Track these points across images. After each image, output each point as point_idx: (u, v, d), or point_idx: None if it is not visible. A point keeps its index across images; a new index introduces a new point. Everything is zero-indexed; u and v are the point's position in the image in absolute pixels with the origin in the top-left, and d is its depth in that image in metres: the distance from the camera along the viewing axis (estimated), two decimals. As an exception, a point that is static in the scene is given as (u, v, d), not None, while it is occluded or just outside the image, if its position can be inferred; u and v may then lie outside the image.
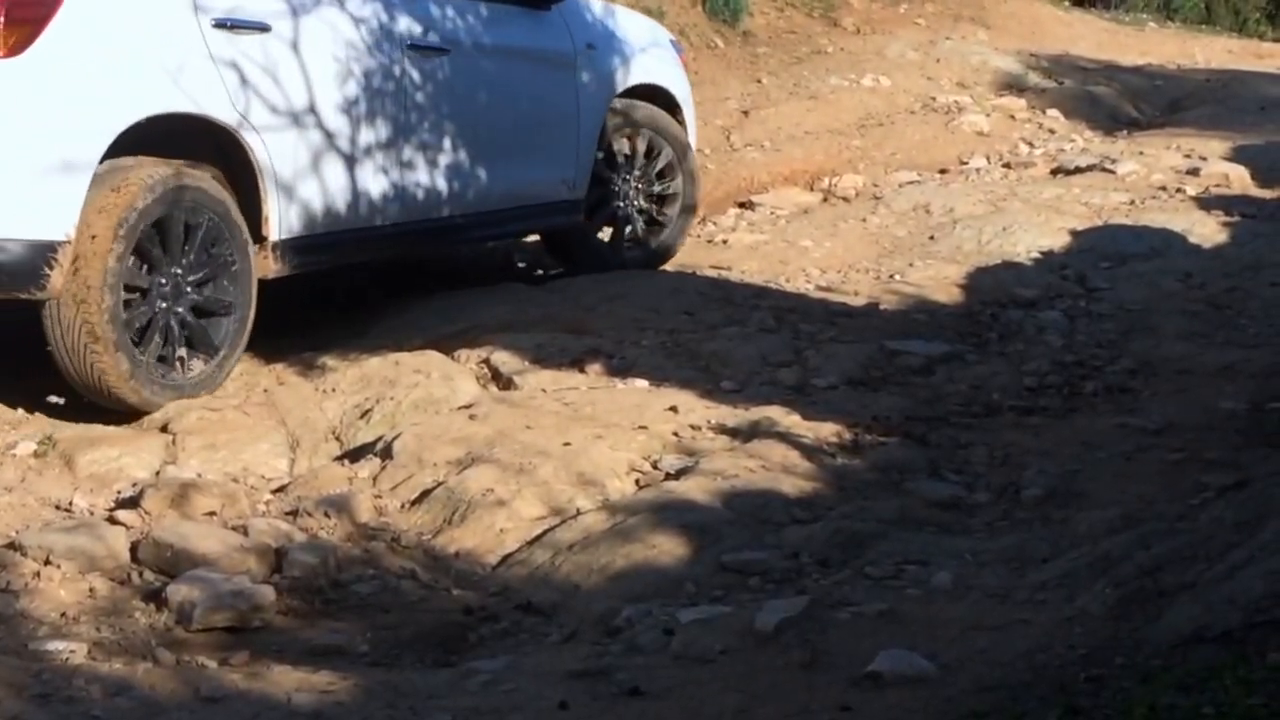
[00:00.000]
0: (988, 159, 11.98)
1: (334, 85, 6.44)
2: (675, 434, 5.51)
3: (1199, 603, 3.59)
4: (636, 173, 8.13)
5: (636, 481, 5.13)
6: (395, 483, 5.12)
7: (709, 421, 5.62)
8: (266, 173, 6.08)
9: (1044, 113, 13.79)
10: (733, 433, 5.51)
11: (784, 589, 4.29)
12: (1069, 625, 3.78)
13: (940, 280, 8.06)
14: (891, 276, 8.18)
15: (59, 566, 4.37)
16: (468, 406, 5.73)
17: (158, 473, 5.24)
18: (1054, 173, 11.17)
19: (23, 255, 5.35)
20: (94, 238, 5.45)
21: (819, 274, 8.19)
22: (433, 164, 6.95)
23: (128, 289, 5.59)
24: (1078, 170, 11.01)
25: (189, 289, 5.82)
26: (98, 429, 5.60)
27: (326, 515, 4.86)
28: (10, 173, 5.33)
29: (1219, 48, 19.49)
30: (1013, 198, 9.86)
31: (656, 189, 8.19)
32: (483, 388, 6.09)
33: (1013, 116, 13.51)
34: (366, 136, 6.59)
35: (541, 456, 5.12)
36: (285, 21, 6.21)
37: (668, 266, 7.92)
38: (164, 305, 5.73)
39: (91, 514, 4.92)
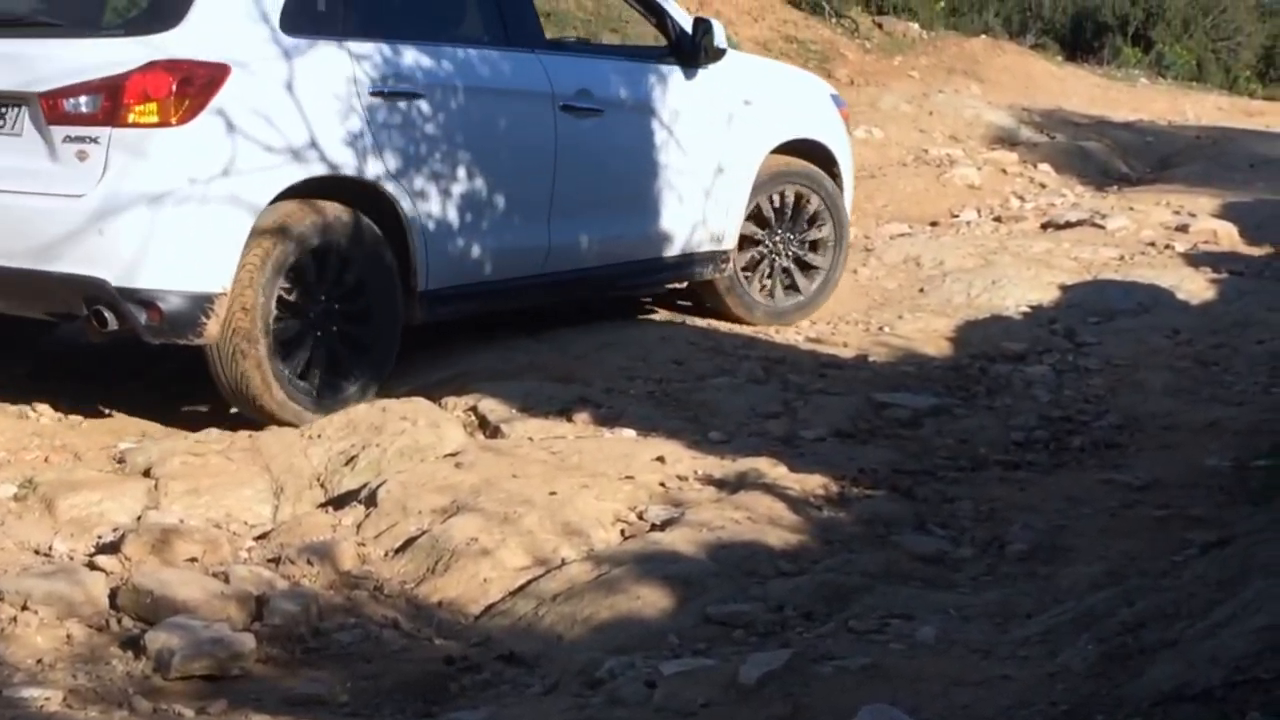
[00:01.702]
0: (979, 212, 12.03)
1: (483, 146, 6.75)
2: (662, 484, 5.50)
3: (1181, 660, 3.58)
4: (787, 226, 8.21)
5: (622, 532, 5.12)
6: (379, 530, 5.10)
7: (696, 472, 5.61)
8: (415, 228, 6.45)
9: (1035, 167, 13.85)
10: (720, 484, 5.50)
11: (768, 642, 4.27)
12: (1051, 681, 3.76)
13: (929, 333, 8.07)
14: (881, 329, 8.19)
15: (36, 612, 4.34)
16: (454, 454, 5.72)
17: (139, 518, 5.22)
18: (1044, 227, 11.21)
19: (183, 306, 5.81)
20: (248, 288, 5.92)
21: (809, 325, 8.19)
22: (580, 219, 7.20)
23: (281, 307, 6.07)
24: (1068, 225, 11.04)
25: (338, 315, 6.27)
26: (80, 473, 5.60)
27: (309, 563, 4.84)
28: (174, 231, 5.78)
29: (1210, 104, 19.61)
30: (1003, 251, 9.88)
31: (809, 237, 8.26)
32: (469, 435, 6.08)
33: (1004, 170, 13.57)
34: (515, 194, 6.90)
35: (527, 506, 5.11)
36: (438, 87, 6.58)
37: (656, 317, 7.92)
38: (314, 327, 6.22)
39: (71, 559, 4.90)
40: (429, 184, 6.53)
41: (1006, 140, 14.75)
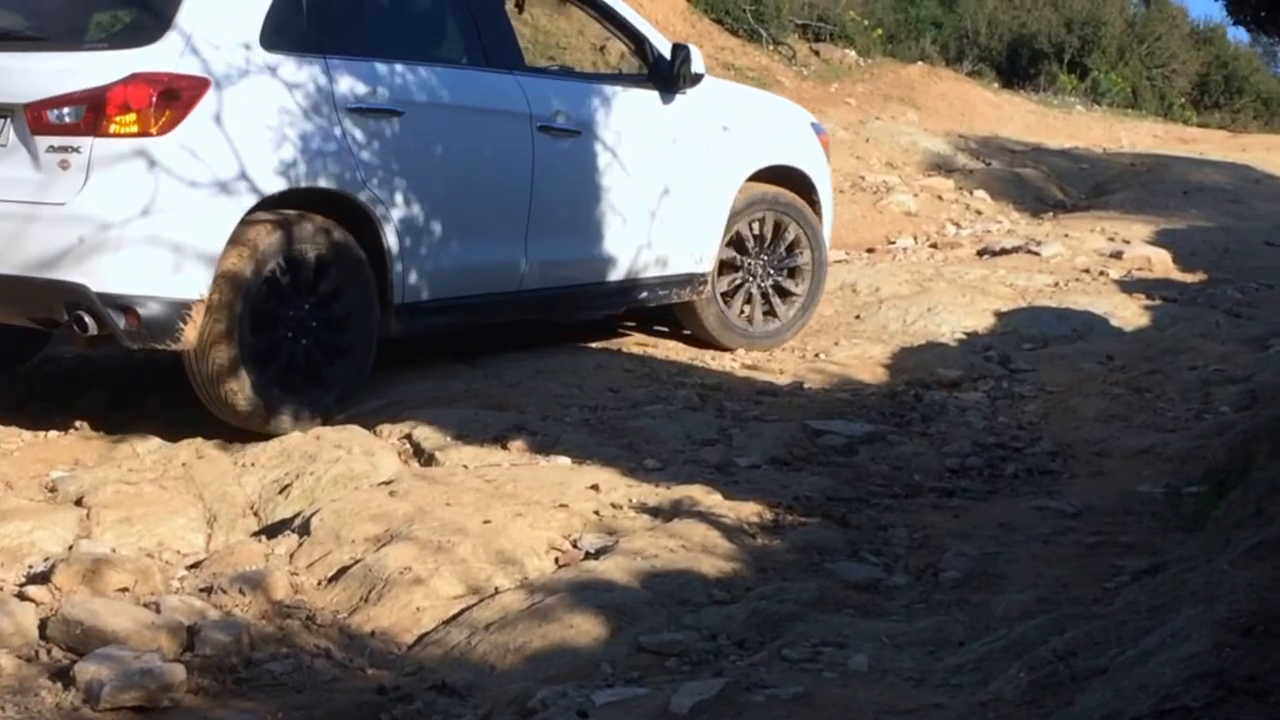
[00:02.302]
0: (915, 239, 12.12)
1: (461, 163, 6.90)
2: (596, 512, 5.49)
3: (1111, 688, 3.59)
4: (766, 252, 8.32)
5: (556, 560, 5.10)
6: (312, 559, 5.07)
7: (630, 500, 5.61)
8: (391, 241, 6.59)
9: (971, 194, 13.97)
10: (654, 512, 5.50)
11: (701, 671, 4.26)
12: (982, 710, 3.77)
13: (865, 360, 8.11)
14: (817, 355, 8.23)
15: (-36, 643, 4.29)
16: (388, 483, 5.69)
17: (70, 547, 5.16)
18: (980, 254, 11.31)
19: (162, 312, 5.94)
20: (225, 296, 6.05)
21: (744, 352, 8.22)
22: (557, 237, 7.32)
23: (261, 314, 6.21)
24: (1003, 251, 11.14)
25: (314, 324, 6.39)
26: (10, 501, 5.54)
27: (241, 592, 4.80)
28: (153, 238, 5.89)
29: (1145, 132, 19.84)
30: (939, 278, 9.95)
31: (786, 263, 8.38)
32: (404, 463, 6.06)
33: (940, 197, 13.68)
34: (492, 211, 7.06)
35: (460, 534, 5.09)
36: (416, 105, 6.71)
37: (592, 344, 7.92)
38: (290, 335, 6.33)
39: (0, 589, 4.83)
40: (406, 199, 6.65)
41: (943, 167, 14.87)
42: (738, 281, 8.26)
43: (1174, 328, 8.94)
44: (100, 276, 5.87)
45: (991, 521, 5.58)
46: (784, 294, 8.39)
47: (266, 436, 6.17)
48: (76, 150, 5.89)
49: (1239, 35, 26.05)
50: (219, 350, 6.07)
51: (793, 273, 8.41)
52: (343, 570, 4.96)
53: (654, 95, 7.78)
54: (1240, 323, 9.23)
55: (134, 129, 5.89)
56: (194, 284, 5.98)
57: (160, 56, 6.01)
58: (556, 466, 5.97)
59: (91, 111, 5.88)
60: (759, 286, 8.34)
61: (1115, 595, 4.60)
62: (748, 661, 4.31)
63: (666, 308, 8.18)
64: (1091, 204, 14.20)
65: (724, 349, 8.20)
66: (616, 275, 7.64)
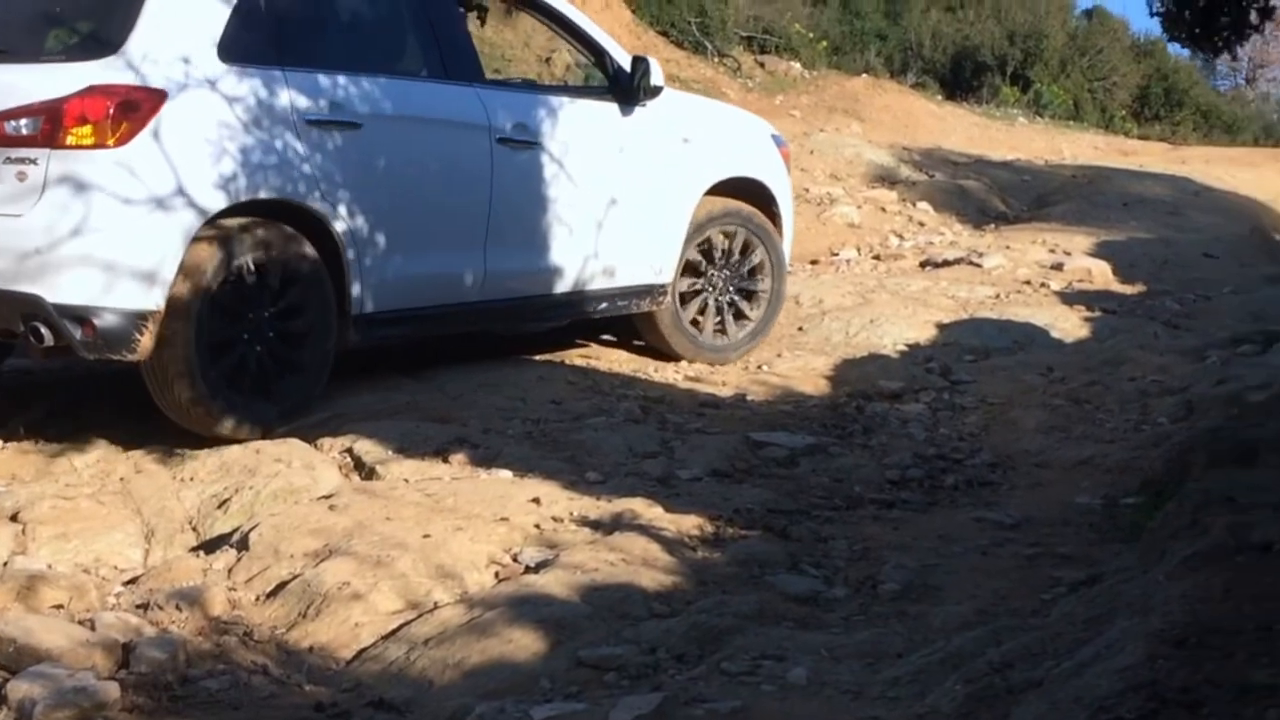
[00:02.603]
0: (858, 250, 12.17)
1: (420, 175, 6.94)
2: (537, 526, 5.48)
3: (1046, 701, 3.61)
4: (727, 266, 8.37)
5: (496, 575, 5.09)
6: (250, 575, 5.04)
7: (571, 513, 5.60)
8: (349, 252, 6.63)
9: (914, 205, 14.05)
10: (595, 525, 5.49)
11: (640, 685, 4.25)
12: (920, 723, 3.79)
13: (807, 371, 8.14)
14: (760, 367, 8.25)
15: (-105, 662, 4.24)
16: (328, 497, 5.66)
17: (5, 563, 5.11)
18: (923, 265, 11.37)
19: (118, 323, 5.95)
20: (182, 306, 6.08)
21: (687, 364, 8.22)
22: (516, 248, 7.37)
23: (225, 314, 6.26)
24: (946, 263, 11.21)
25: (271, 332, 6.42)
26: (-55, 518, 5.47)
27: (178, 608, 4.76)
28: (109, 249, 5.91)
29: (1086, 144, 20.00)
30: (881, 290, 10.00)
31: (746, 285, 8.43)
32: (345, 477, 6.03)
33: (883, 209, 13.75)
34: (451, 222, 7.10)
35: (400, 549, 5.07)
36: (375, 117, 6.74)
37: (536, 357, 7.91)
38: (252, 342, 6.38)
39: (-67, 606, 4.78)
40: (365, 210, 6.68)
41: (886, 179, 14.95)
42: (696, 287, 8.30)
43: (1113, 339, 9.01)
44: (56, 287, 5.89)
45: (931, 533, 5.60)
46: (739, 315, 8.43)
47: (224, 442, 6.19)
48: (34, 162, 5.90)
49: (1179, 49, 26.31)
50: (175, 359, 6.11)
51: (750, 296, 8.44)
52: (281, 585, 4.94)
53: (614, 107, 7.84)
54: (1178, 334, 9.31)
55: (91, 141, 5.90)
56: (150, 294, 5.99)
57: (117, 69, 6.04)
58: (498, 480, 5.95)
59: (49, 123, 5.90)
60: (716, 300, 8.37)
61: (1052, 607, 4.62)
62: (686, 675, 4.30)
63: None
64: (1033, 216, 14.31)
65: (672, 357, 8.22)
66: (576, 285, 7.67)
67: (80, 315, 5.91)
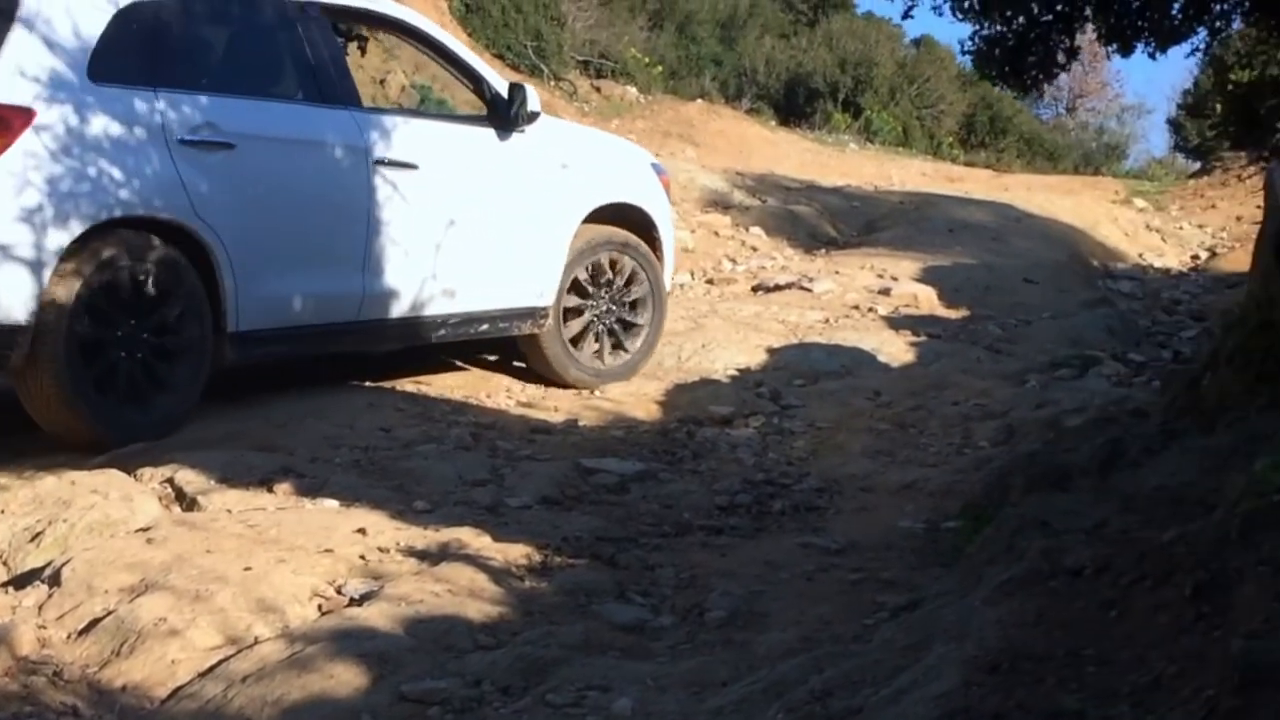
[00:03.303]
0: (691, 275, 12.23)
1: (296, 195, 7.09)
2: (362, 557, 5.40)
3: (865, 728, 3.65)
4: (607, 290, 8.50)
5: (319, 608, 5.00)
6: (62, 611, 4.89)
7: (398, 544, 5.53)
8: (224, 269, 6.77)
9: (747, 230, 14.16)
10: (421, 555, 5.43)
11: (464, 719, 4.22)
12: (741, 752, 3.80)
13: (639, 397, 8.16)
14: (591, 392, 8.25)
15: None
16: (146, 529, 5.53)
17: None
18: (755, 290, 11.47)
19: None
20: (52, 320, 6.23)
21: (519, 389, 8.21)
22: (395, 269, 7.47)
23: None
24: (777, 288, 11.32)
25: (144, 348, 6.59)
26: None
27: (-15, 648, 4.61)
28: None
29: (914, 170, 20.35)
30: (713, 314, 10.07)
31: (626, 316, 8.58)
32: (165, 508, 5.89)
33: (717, 233, 13.84)
34: (328, 242, 7.23)
35: (220, 582, 4.96)
36: (251, 140, 6.89)
37: (365, 383, 7.82)
38: (125, 356, 6.55)
39: None
40: (241, 229, 6.81)
41: (720, 204, 15.06)
42: (582, 316, 8.44)
43: (938, 363, 9.16)
44: None
45: (758, 559, 5.63)
46: (626, 330, 8.61)
47: (101, 450, 6.33)
48: None
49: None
50: (46, 375, 6.26)
51: (634, 308, 8.62)
52: (94, 622, 4.80)
53: (491, 133, 8.00)
54: (1000, 358, 9.49)
55: None
56: (19, 309, 6.14)
57: None
58: (323, 510, 5.86)
59: None
60: (604, 324, 8.53)
61: (874, 632, 4.66)
62: (511, 708, 4.27)
63: (512, 348, 8.44)
64: (862, 241, 14.51)
65: (555, 381, 8.37)
66: (457, 306, 7.80)
67: None
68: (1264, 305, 4.97)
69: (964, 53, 6.98)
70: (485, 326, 7.99)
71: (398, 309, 7.53)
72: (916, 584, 5.21)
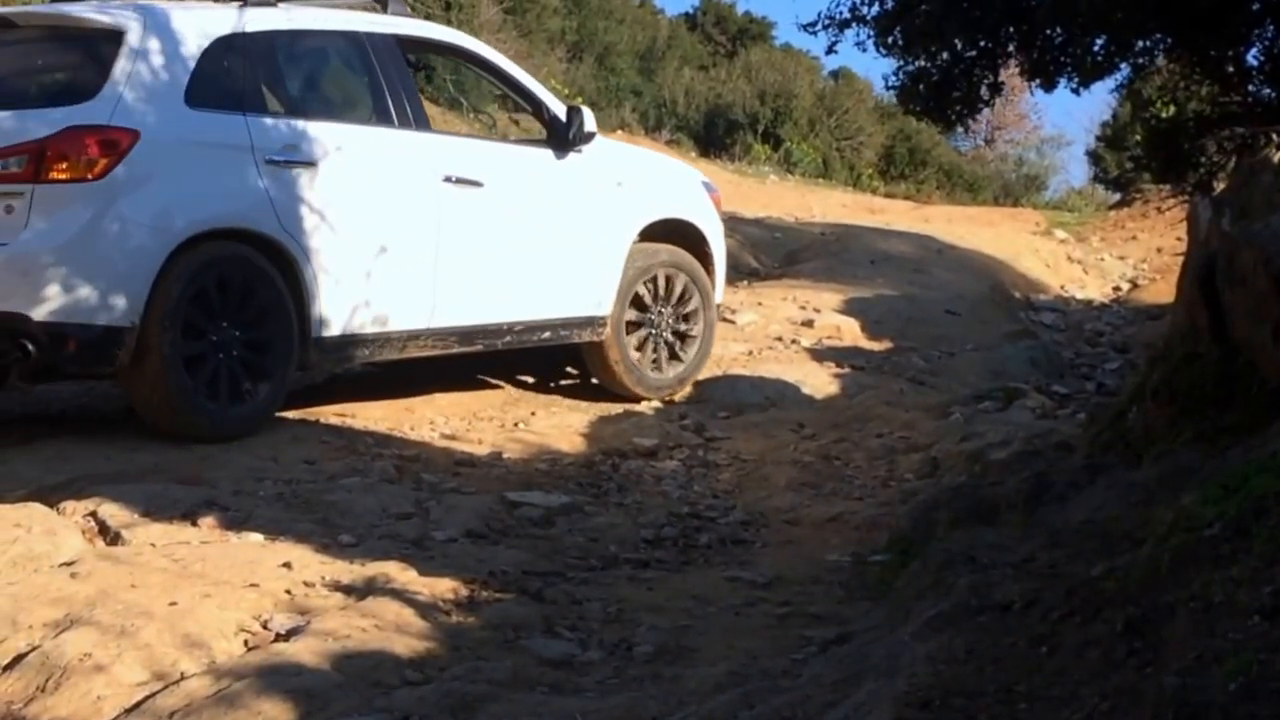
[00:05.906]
0: (614, 307, 12.19)
1: (373, 210, 7.74)
2: (288, 591, 5.36)
3: (797, 764, 3.66)
4: (664, 305, 9.06)
5: (245, 643, 4.96)
6: (-15, 648, 4.82)
7: (324, 578, 5.50)
8: (308, 279, 7.43)
9: (669, 261, 14.13)
10: (347, 590, 5.39)
11: (391, 756, 4.20)
12: (672, 789, 3.80)
13: (564, 429, 8.16)
14: (516, 425, 8.24)
15: None
16: (70, 563, 5.46)
17: None
18: (677, 322, 11.45)
19: (98, 339, 6.83)
20: (156, 322, 6.91)
21: (444, 421, 8.18)
22: (464, 279, 8.10)
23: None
24: (700, 320, 11.30)
25: (237, 347, 7.26)
26: None
27: (-96, 686, 4.54)
28: (89, 272, 6.79)
29: (835, 201, 20.49)
30: (637, 346, 10.04)
31: (681, 327, 9.13)
32: (89, 543, 5.82)
33: (639, 264, 13.82)
34: (402, 254, 7.83)
35: (145, 617, 4.91)
36: (331, 158, 7.58)
37: (289, 414, 7.78)
38: (219, 355, 7.21)
39: None
40: (323, 241, 7.48)
41: (641, 235, 15.05)
42: (640, 324, 8.95)
43: (861, 395, 9.22)
44: (41, 307, 6.68)
45: (685, 593, 5.63)
46: (682, 342, 9.08)
47: (203, 441, 6.99)
48: (20, 195, 6.75)
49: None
50: (151, 372, 6.93)
51: (687, 320, 9.10)
52: (19, 658, 4.73)
53: (550, 153, 8.58)
54: (924, 390, 9.57)
55: (71, 175, 6.76)
56: (128, 313, 6.82)
57: (95, 111, 6.92)
58: (248, 544, 5.82)
59: (33, 161, 6.74)
60: (660, 335, 8.99)
61: (803, 667, 4.67)
62: (439, 745, 4.25)
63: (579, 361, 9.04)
64: (784, 272, 14.58)
65: (619, 392, 8.88)
66: (521, 314, 8.38)
67: (63, 333, 6.72)
68: (1188, 338, 5.04)
69: (888, 88, 7.08)
70: (547, 334, 8.54)
71: (466, 316, 8.12)
72: (845, 618, 5.23)
